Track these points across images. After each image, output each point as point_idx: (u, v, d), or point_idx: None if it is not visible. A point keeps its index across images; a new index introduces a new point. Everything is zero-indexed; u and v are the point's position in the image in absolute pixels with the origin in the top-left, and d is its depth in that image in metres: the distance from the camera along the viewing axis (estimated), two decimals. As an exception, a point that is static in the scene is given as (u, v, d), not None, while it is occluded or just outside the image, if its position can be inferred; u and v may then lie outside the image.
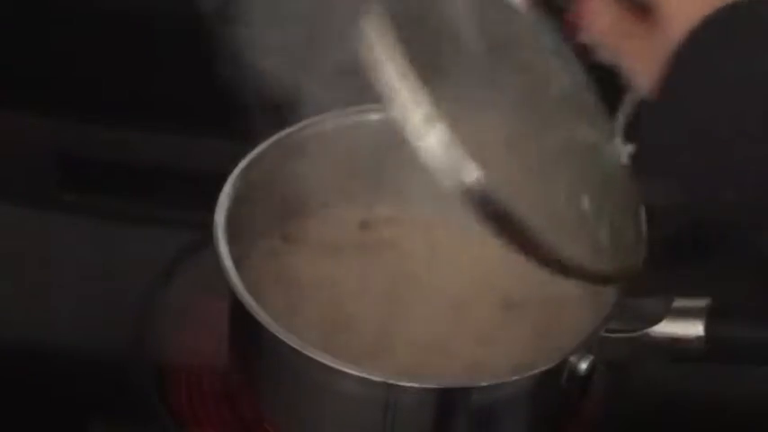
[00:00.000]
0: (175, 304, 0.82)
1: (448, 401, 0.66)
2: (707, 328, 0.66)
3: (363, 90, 0.76)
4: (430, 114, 0.53)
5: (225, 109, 0.93)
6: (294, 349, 0.64)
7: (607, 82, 0.61)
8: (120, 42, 0.97)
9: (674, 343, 0.67)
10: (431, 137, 0.53)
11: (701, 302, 0.67)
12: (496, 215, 0.54)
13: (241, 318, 0.68)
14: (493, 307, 0.72)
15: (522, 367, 0.65)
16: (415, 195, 0.75)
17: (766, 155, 0.49)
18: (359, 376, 0.63)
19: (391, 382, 0.64)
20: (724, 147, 0.50)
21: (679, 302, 0.67)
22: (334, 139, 0.76)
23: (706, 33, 0.51)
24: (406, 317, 0.71)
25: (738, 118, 0.50)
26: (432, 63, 0.55)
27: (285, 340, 0.64)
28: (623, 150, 0.61)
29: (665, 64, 0.51)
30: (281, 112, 0.76)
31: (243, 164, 0.72)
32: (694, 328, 0.66)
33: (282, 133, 0.75)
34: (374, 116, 0.75)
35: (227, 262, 0.67)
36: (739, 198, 0.51)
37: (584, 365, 0.66)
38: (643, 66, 0.54)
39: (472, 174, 0.53)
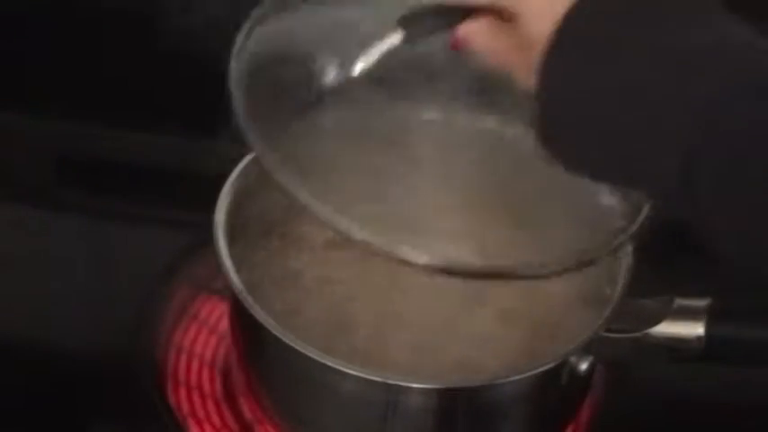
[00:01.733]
0: (175, 304, 0.82)
1: (448, 401, 0.66)
2: (707, 328, 0.66)
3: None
4: None
5: (224, 109, 0.94)
6: (294, 349, 0.64)
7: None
8: (120, 42, 0.97)
9: (675, 343, 0.67)
10: None
11: (701, 302, 0.67)
12: None
13: (241, 318, 0.69)
14: (492, 308, 0.72)
15: (522, 368, 0.65)
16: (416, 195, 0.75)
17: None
18: (359, 376, 0.63)
19: (391, 382, 0.64)
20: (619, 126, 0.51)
21: (679, 302, 0.67)
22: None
23: (566, 32, 0.52)
24: (405, 317, 0.71)
25: (624, 99, 0.51)
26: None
27: (285, 340, 0.64)
28: None
29: (537, 70, 0.53)
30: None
31: (243, 164, 0.72)
32: (694, 329, 0.66)
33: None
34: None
35: (227, 262, 0.67)
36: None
37: (584, 366, 0.66)
38: (525, 73, 0.55)
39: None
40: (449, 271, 0.58)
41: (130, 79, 0.96)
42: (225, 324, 0.79)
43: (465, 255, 0.67)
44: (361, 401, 0.66)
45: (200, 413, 0.76)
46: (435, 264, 0.58)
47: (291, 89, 0.63)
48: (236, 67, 0.63)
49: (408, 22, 0.59)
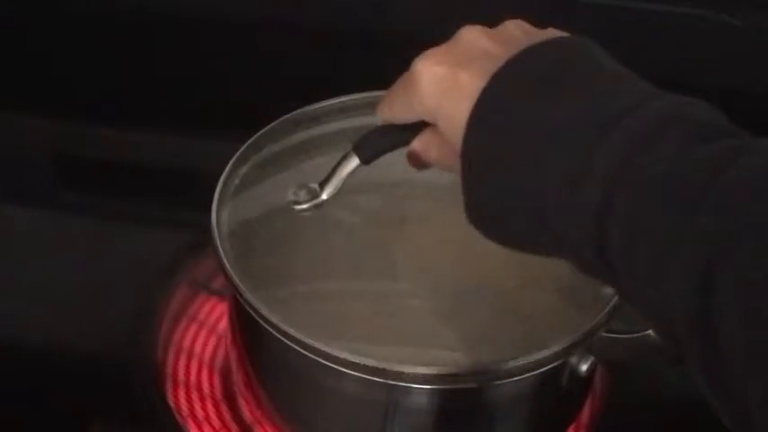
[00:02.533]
0: (175, 304, 0.82)
1: (448, 401, 0.66)
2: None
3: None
4: None
5: (224, 109, 0.94)
6: (294, 349, 0.64)
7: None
8: (120, 43, 0.97)
9: (676, 344, 0.67)
10: None
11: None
12: None
13: (241, 317, 0.68)
14: (492, 307, 0.71)
15: (523, 368, 0.65)
16: (415, 193, 0.75)
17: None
18: (359, 376, 0.63)
19: (391, 382, 0.63)
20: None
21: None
22: (333, 134, 0.76)
23: (475, 126, 0.56)
24: (405, 317, 0.71)
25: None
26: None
27: (285, 340, 0.64)
28: None
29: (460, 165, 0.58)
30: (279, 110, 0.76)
31: (232, 161, 0.72)
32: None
33: (271, 126, 0.75)
34: (368, 120, 0.75)
35: (227, 262, 0.67)
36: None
37: (584, 366, 0.66)
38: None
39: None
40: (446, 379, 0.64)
41: (130, 79, 0.96)
42: (224, 324, 0.79)
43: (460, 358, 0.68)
44: (361, 401, 0.66)
45: (200, 413, 0.76)
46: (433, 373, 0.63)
47: (270, 223, 0.71)
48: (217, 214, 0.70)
49: (362, 147, 0.65)
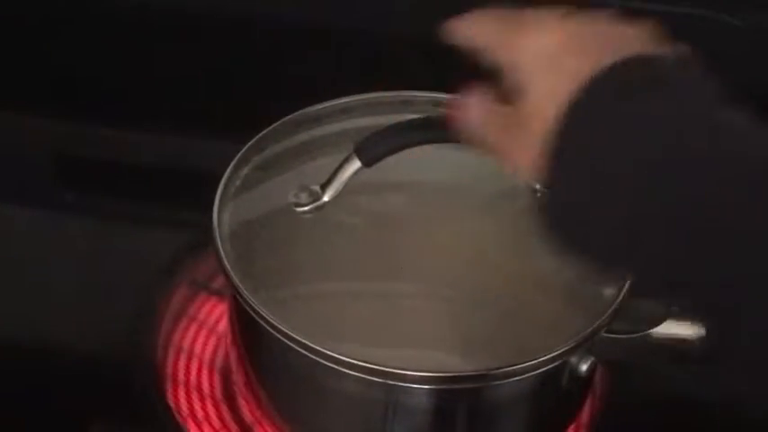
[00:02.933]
0: (175, 304, 0.82)
1: (448, 401, 0.66)
2: (708, 329, 0.66)
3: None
4: None
5: (225, 109, 0.94)
6: (294, 349, 0.64)
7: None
8: (120, 42, 0.97)
9: (676, 344, 0.67)
10: None
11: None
12: None
13: (241, 318, 0.68)
14: (492, 309, 0.71)
15: (523, 368, 0.65)
16: (417, 195, 0.75)
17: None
18: (359, 376, 0.63)
19: (391, 382, 0.63)
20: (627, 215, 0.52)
21: (680, 303, 0.67)
22: (335, 135, 0.76)
23: (577, 111, 0.53)
24: (406, 316, 0.71)
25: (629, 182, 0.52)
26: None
27: (285, 340, 0.64)
28: None
29: (545, 151, 0.53)
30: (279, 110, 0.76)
31: (234, 162, 0.72)
32: (696, 330, 0.66)
33: (272, 127, 0.75)
34: (370, 121, 0.75)
35: (227, 262, 0.67)
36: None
37: (584, 366, 0.66)
38: (521, 156, 0.55)
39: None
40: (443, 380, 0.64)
41: (130, 79, 0.96)
42: (224, 324, 0.79)
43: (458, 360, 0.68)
44: (361, 401, 0.66)
45: (200, 414, 0.76)
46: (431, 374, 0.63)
47: (271, 224, 0.71)
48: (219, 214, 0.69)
49: (364, 149, 0.65)
